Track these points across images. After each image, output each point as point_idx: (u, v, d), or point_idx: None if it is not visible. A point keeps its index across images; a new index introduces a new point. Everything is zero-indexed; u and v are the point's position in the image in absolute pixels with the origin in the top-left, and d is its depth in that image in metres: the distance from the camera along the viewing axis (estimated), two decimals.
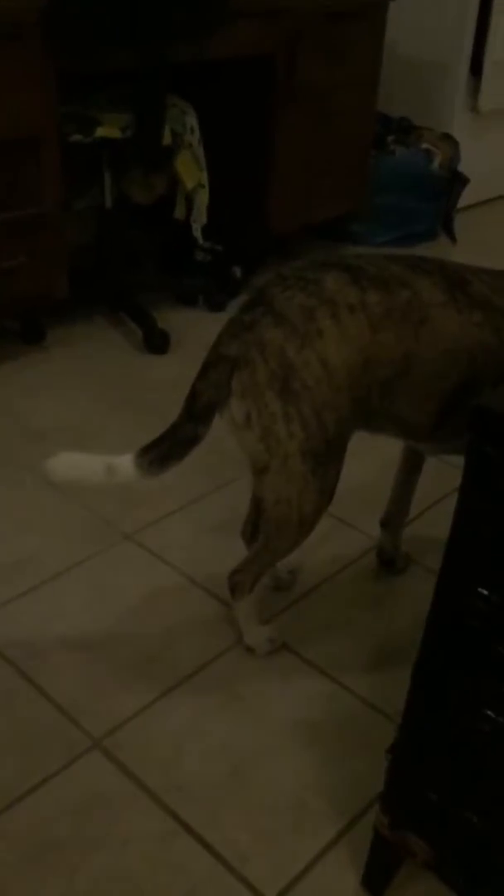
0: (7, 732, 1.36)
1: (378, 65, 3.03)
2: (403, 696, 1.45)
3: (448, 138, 3.45)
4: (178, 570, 1.72)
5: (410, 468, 1.64)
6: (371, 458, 1.80)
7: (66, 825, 1.23)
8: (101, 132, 2.24)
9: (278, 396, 1.21)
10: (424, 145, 3.37)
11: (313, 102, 2.83)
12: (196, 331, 2.67)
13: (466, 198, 3.62)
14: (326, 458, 1.27)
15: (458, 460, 1.90)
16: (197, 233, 2.62)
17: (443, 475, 1.99)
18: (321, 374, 1.21)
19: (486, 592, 0.86)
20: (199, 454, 1.34)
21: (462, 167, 3.49)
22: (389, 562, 1.74)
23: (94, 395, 2.33)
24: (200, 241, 2.67)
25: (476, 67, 3.51)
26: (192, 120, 2.44)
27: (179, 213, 2.67)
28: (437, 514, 1.91)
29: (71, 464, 1.29)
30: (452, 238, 3.49)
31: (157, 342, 2.51)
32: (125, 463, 1.28)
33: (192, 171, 2.47)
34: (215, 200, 2.66)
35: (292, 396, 1.21)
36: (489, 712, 0.90)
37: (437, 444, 1.41)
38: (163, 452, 1.29)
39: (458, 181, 3.44)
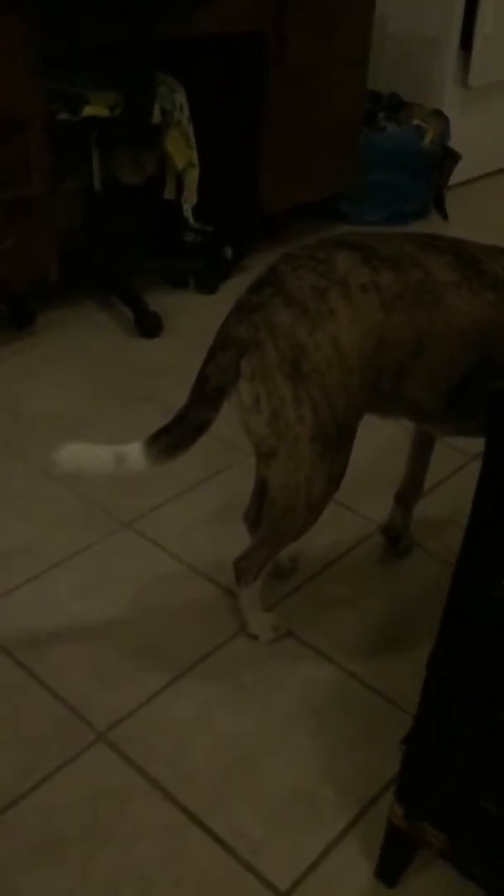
0: (9, 727, 1.34)
1: (368, 40, 2.98)
2: (408, 682, 1.44)
3: (438, 114, 3.40)
4: (178, 557, 1.70)
5: (422, 444, 1.64)
6: (370, 441, 1.77)
7: (74, 820, 1.21)
8: (89, 111, 2.19)
9: (288, 379, 1.19)
10: (415, 122, 3.33)
11: (303, 79, 2.78)
12: (188, 313, 2.64)
13: (457, 174, 3.58)
14: (336, 442, 1.25)
15: (462, 442, 1.89)
16: (188, 213, 2.58)
17: (443, 457, 1.97)
18: (333, 356, 1.18)
19: None
20: None
21: (452, 143, 3.45)
22: (395, 539, 1.72)
23: (86, 380, 2.29)
24: (191, 221, 2.63)
25: (466, 42, 3.46)
26: (181, 97, 2.39)
27: (169, 193, 2.62)
28: (438, 496, 1.89)
29: (78, 455, 1.25)
30: (444, 216, 3.45)
31: (148, 326, 2.48)
32: (134, 452, 1.25)
33: (182, 150, 2.43)
34: (205, 180, 2.62)
35: (303, 379, 1.18)
36: None
37: (448, 427, 1.39)
38: (172, 440, 1.26)
39: (449, 158, 3.40)
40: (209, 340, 1.27)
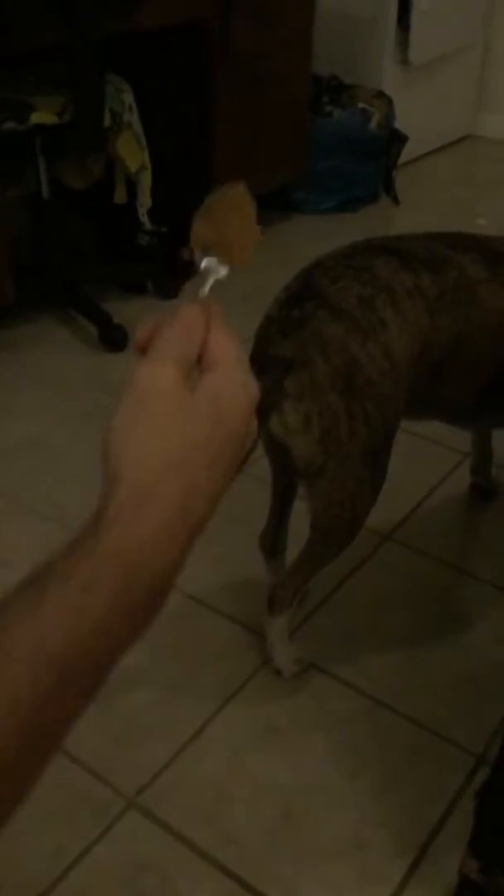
0: (32, 802, 1.24)
1: (310, 25, 2.89)
2: (441, 705, 1.39)
3: (382, 95, 3.33)
4: (182, 591, 1.61)
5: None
6: None
7: None
8: (36, 118, 2.05)
9: (341, 395, 1.13)
10: (360, 105, 3.25)
11: (249, 69, 2.67)
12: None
13: (402, 154, 3.51)
14: (382, 454, 1.21)
15: (455, 440, 1.86)
16: (143, 217, 2.46)
17: (435, 458, 1.92)
18: (386, 367, 1.14)
19: None
20: None
21: (396, 124, 3.38)
22: (487, 492, 1.81)
23: (54, 404, 2.16)
24: (147, 225, 2.51)
25: (404, 20, 3.39)
26: (129, 97, 2.27)
27: (119, 197, 2.50)
28: (436, 502, 1.84)
29: None
30: (395, 199, 3.39)
31: (114, 338, 2.35)
32: None
33: (134, 153, 2.31)
34: (155, 180, 2.50)
35: (356, 394, 1.13)
36: None
37: (478, 423, 1.38)
38: None
39: (396, 140, 3.33)
40: None
